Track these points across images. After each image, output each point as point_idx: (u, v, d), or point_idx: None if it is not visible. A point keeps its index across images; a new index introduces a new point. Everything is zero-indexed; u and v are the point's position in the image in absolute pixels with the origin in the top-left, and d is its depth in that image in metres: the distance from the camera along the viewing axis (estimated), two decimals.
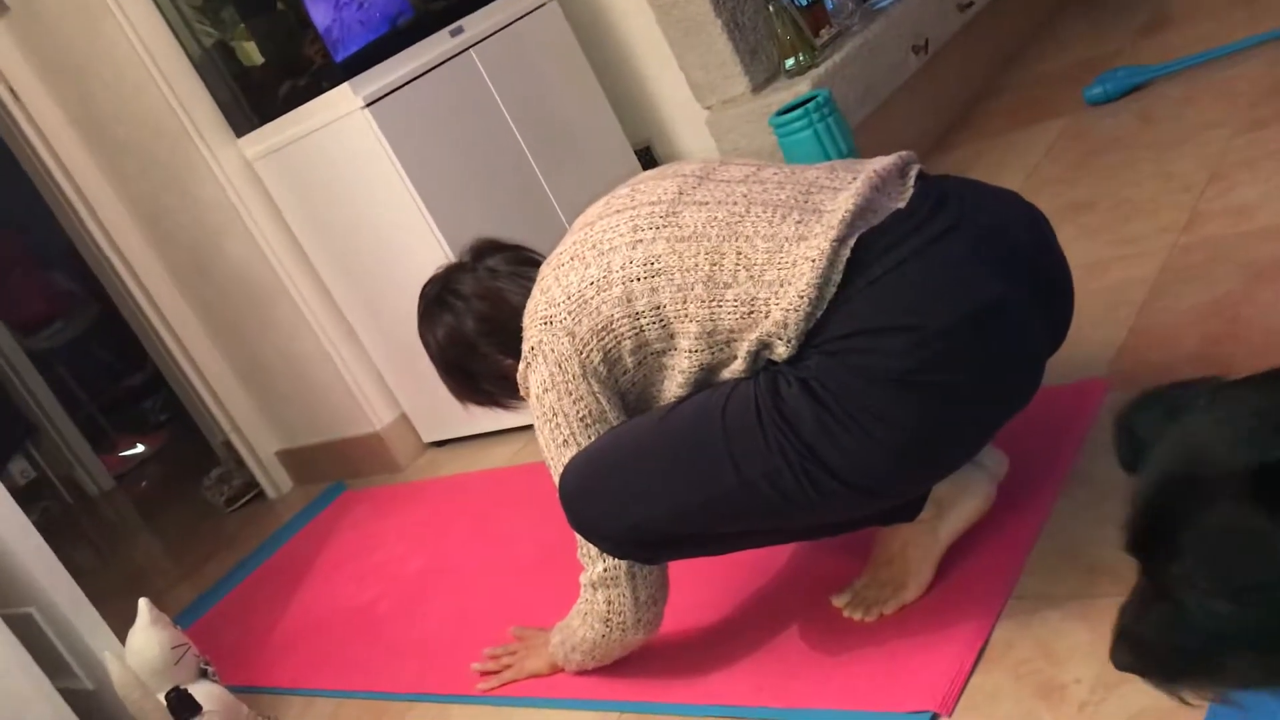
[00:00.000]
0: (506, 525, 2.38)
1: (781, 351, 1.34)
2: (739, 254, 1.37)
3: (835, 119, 2.57)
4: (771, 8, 2.81)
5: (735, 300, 1.36)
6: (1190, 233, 2.07)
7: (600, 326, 1.44)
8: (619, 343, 1.44)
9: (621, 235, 1.45)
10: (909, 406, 1.29)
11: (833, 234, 1.33)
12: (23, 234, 5.09)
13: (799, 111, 2.57)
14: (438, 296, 1.74)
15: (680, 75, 2.95)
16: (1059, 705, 1.27)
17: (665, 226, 1.43)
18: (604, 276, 1.44)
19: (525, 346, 1.53)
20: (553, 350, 1.47)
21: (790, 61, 2.82)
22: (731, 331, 1.37)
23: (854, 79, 2.84)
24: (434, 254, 2.53)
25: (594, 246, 1.47)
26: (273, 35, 2.64)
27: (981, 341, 1.32)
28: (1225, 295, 1.83)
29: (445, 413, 2.80)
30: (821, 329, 1.33)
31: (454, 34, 2.67)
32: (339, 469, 3.17)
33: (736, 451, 1.35)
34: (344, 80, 2.47)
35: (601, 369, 1.46)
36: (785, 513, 1.37)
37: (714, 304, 1.37)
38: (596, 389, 1.46)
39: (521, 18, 2.79)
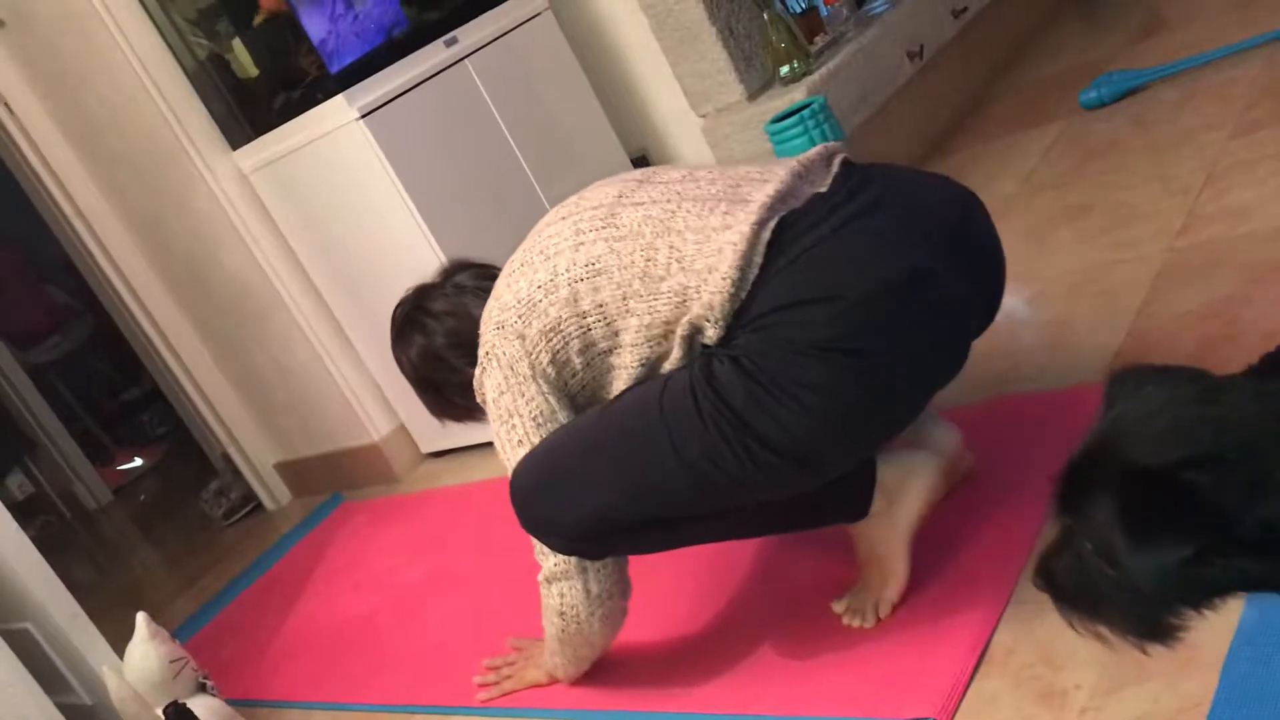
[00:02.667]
0: (504, 536, 2.37)
1: (711, 334, 1.38)
2: (671, 248, 1.42)
3: (830, 125, 2.57)
4: (766, 15, 2.82)
5: (669, 292, 1.41)
6: (1187, 236, 2.06)
7: (549, 328, 1.49)
8: (566, 344, 1.49)
9: (565, 239, 1.51)
10: (834, 374, 1.32)
11: (753, 218, 1.39)
12: (19, 248, 5.09)
13: (794, 119, 2.57)
14: (408, 317, 1.79)
15: (675, 83, 2.95)
16: (1060, 711, 1.27)
17: (605, 228, 1.48)
18: (550, 280, 1.49)
19: (480, 352, 1.58)
20: (504, 353, 1.52)
21: (785, 69, 2.82)
22: (668, 323, 1.42)
23: (849, 85, 2.84)
24: (430, 264, 2.52)
25: (541, 252, 1.52)
26: (268, 47, 2.64)
27: (902, 308, 1.36)
28: (1223, 298, 1.83)
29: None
30: (748, 309, 1.37)
31: (449, 44, 2.67)
32: (337, 480, 3.16)
33: (676, 433, 1.37)
34: (339, 92, 2.47)
35: (550, 371, 1.50)
36: (729, 491, 1.39)
37: (651, 298, 1.42)
38: (546, 389, 1.51)
39: (516, 28, 2.79)
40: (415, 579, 2.42)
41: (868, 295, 1.34)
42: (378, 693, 2.07)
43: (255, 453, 3.32)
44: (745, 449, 1.34)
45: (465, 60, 2.68)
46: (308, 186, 2.68)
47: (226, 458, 3.43)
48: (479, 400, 1.60)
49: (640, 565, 1.93)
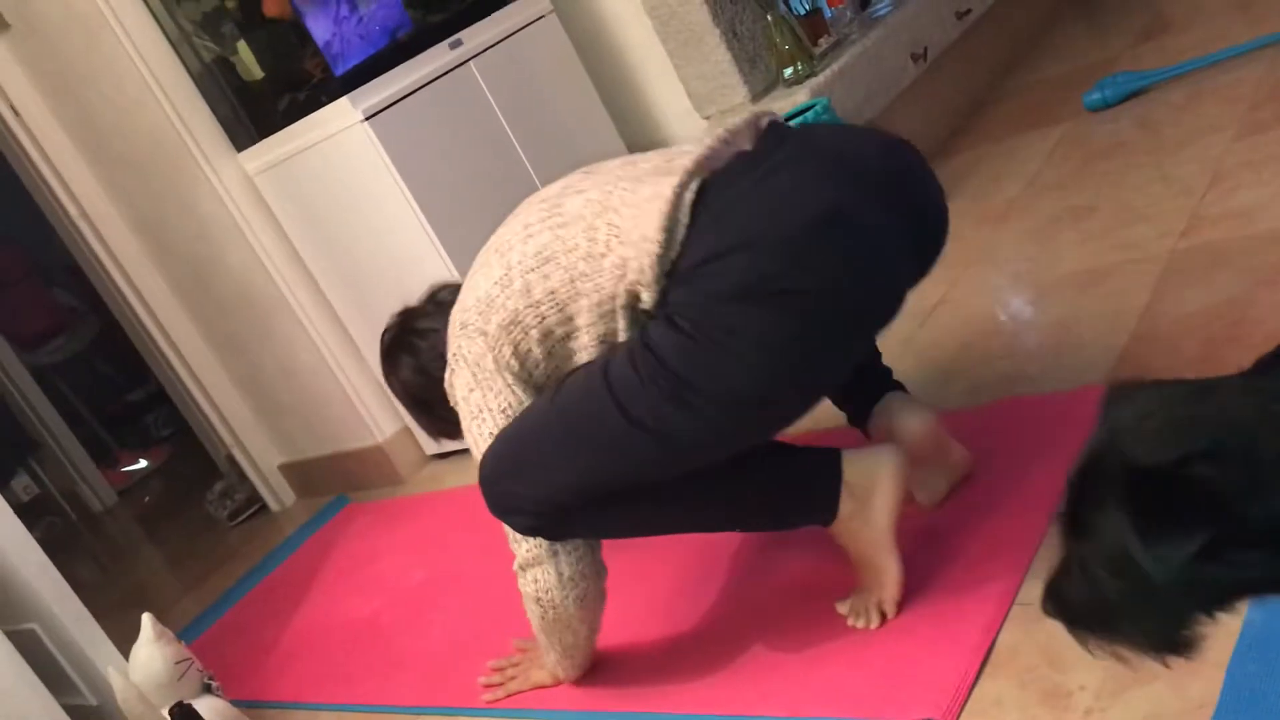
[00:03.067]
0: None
1: (648, 298, 1.42)
2: (610, 225, 1.47)
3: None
4: (770, 17, 2.82)
5: (612, 266, 1.45)
6: (1191, 237, 2.06)
7: (507, 322, 1.53)
8: (526, 334, 1.52)
9: (516, 234, 1.56)
10: (761, 318, 1.36)
11: (675, 181, 1.43)
12: (24, 250, 5.10)
13: (798, 120, 2.57)
14: (395, 340, 1.85)
15: (679, 85, 2.96)
16: (1064, 712, 1.27)
17: (550, 218, 1.53)
18: (504, 274, 1.54)
19: (449, 355, 1.61)
20: (469, 352, 1.56)
21: (789, 70, 2.82)
22: (613, 297, 1.46)
23: (853, 87, 2.84)
24: (435, 265, 2.53)
25: (496, 250, 1.58)
26: (272, 50, 2.64)
27: (823, 248, 1.38)
28: (1227, 300, 1.83)
29: None
30: (677, 269, 1.41)
31: (453, 46, 2.67)
32: (342, 482, 3.16)
33: (620, 398, 1.41)
34: (343, 94, 2.48)
35: (514, 363, 1.54)
36: (679, 449, 1.42)
37: (596, 275, 1.46)
38: (511, 382, 1.54)
39: (520, 30, 2.80)
40: (420, 580, 2.42)
41: (783, 237, 1.38)
42: (383, 694, 2.08)
43: (260, 454, 3.33)
44: (684, 403, 1.37)
45: (470, 62, 2.68)
46: (312, 188, 2.68)
47: (231, 459, 3.44)
48: (452, 403, 1.62)
49: (644, 565, 1.94)
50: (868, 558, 1.55)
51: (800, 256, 1.37)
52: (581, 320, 1.49)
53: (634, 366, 1.40)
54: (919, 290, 2.39)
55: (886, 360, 2.14)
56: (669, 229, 1.41)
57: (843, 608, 1.58)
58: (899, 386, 1.76)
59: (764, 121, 1.55)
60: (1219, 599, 0.89)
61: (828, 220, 1.39)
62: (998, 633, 1.42)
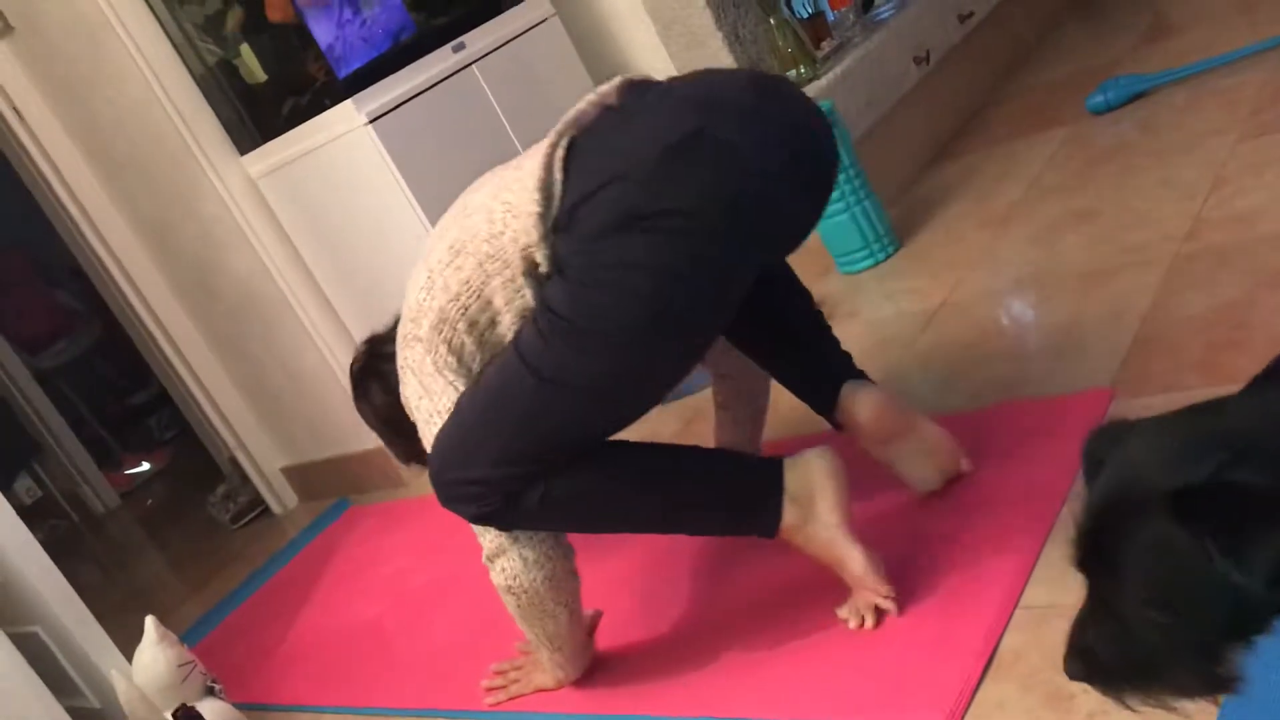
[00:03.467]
0: None
1: (541, 259, 1.47)
2: (504, 204, 1.52)
3: (837, 131, 2.57)
4: (773, 20, 2.82)
5: (509, 241, 1.50)
6: (1194, 240, 2.06)
7: (436, 321, 1.56)
8: (455, 330, 1.55)
9: (433, 241, 1.63)
10: (639, 244, 1.40)
11: (547, 143, 1.50)
12: (27, 252, 5.11)
13: None
14: (364, 368, 1.88)
15: None
16: (1067, 715, 1.27)
17: (458, 216, 1.59)
18: (428, 279, 1.59)
19: (398, 368, 1.65)
20: (411, 360, 1.60)
21: (791, 73, 2.82)
22: (517, 269, 1.50)
23: (856, 90, 2.85)
24: None
25: (422, 260, 1.63)
26: (275, 53, 2.64)
27: (687, 165, 1.42)
28: (1230, 302, 1.83)
29: None
30: (559, 224, 1.46)
31: (456, 50, 2.68)
32: (344, 484, 3.17)
33: (530, 360, 1.46)
34: (346, 97, 2.48)
35: (451, 360, 1.56)
36: (595, 400, 1.46)
37: (500, 254, 1.51)
38: (452, 379, 1.56)
39: (523, 33, 2.80)
40: (422, 583, 2.42)
41: (646, 165, 1.42)
42: (385, 696, 2.08)
43: (263, 457, 3.33)
44: (585, 349, 1.42)
45: (473, 66, 2.68)
46: (315, 191, 2.68)
47: (234, 462, 3.44)
48: (410, 416, 1.63)
49: (645, 567, 1.94)
50: (832, 557, 1.56)
51: (665, 178, 1.42)
52: (499, 301, 1.53)
53: (536, 328, 1.46)
54: (921, 293, 2.41)
55: (889, 362, 2.15)
56: (544, 188, 1.47)
57: (842, 612, 1.58)
58: (858, 374, 1.78)
59: (632, 79, 1.61)
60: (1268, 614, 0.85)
61: (688, 141, 1.44)
62: (1001, 636, 1.42)
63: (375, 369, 1.86)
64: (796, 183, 1.54)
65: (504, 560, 1.58)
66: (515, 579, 1.58)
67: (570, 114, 1.55)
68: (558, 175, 1.48)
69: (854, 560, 1.54)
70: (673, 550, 1.94)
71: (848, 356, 1.82)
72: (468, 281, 1.54)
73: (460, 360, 1.56)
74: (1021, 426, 1.80)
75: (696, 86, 1.58)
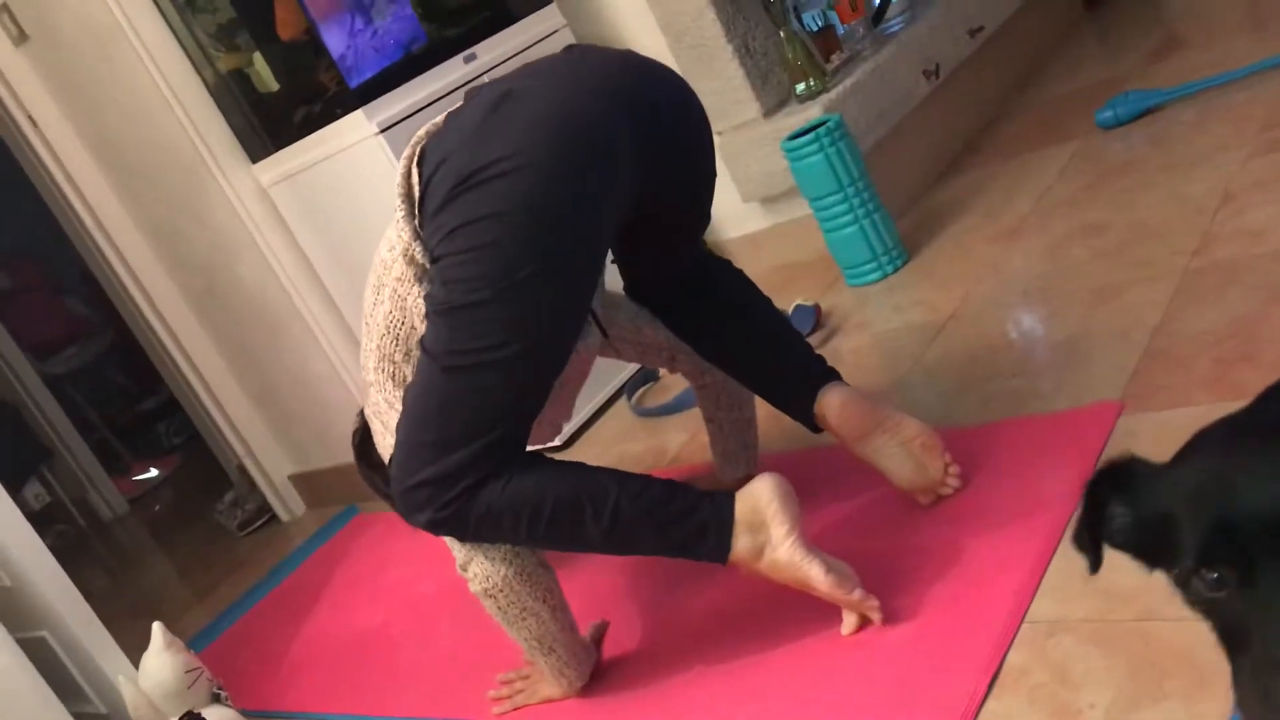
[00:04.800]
0: None
1: (419, 254, 1.56)
2: (394, 223, 1.60)
3: (846, 144, 2.58)
4: (782, 33, 2.83)
5: (402, 253, 1.58)
6: (1203, 255, 2.06)
7: (378, 361, 1.66)
8: (393, 363, 1.65)
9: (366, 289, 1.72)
10: (474, 201, 1.46)
11: (405, 154, 1.59)
12: (39, 259, 5.13)
13: (810, 136, 2.58)
14: (363, 435, 1.93)
15: None
16: None
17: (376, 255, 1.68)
18: (366, 325, 1.69)
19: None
20: (371, 403, 1.70)
21: (801, 86, 2.83)
22: (410, 276, 1.59)
23: (865, 104, 2.85)
24: None
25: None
26: (287, 62, 2.66)
27: (501, 122, 1.50)
28: (1239, 318, 1.83)
29: None
30: (421, 221, 1.55)
31: (467, 60, 2.69)
32: (351, 492, 3.16)
33: (430, 351, 1.53)
34: (358, 107, 2.49)
35: (398, 392, 1.64)
36: (495, 370, 1.50)
37: (401, 272, 1.59)
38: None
39: (535, 44, 2.81)
40: (429, 591, 2.42)
41: (468, 134, 1.50)
42: (391, 704, 2.08)
43: (270, 464, 3.34)
44: (465, 322, 1.48)
45: (484, 76, 2.70)
46: (326, 200, 2.70)
47: (242, 469, 3.45)
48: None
49: (646, 581, 1.94)
50: (798, 578, 1.55)
51: (482, 137, 1.49)
52: (416, 318, 1.60)
53: (428, 320, 1.54)
54: (930, 306, 2.41)
55: (897, 375, 2.15)
56: (403, 193, 1.56)
57: (845, 628, 1.59)
58: (830, 376, 1.80)
59: (476, 86, 1.66)
60: None
61: (498, 101, 1.53)
62: (1007, 651, 1.41)
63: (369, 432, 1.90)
64: (625, 111, 1.57)
65: (475, 566, 1.61)
66: (488, 579, 1.61)
67: (424, 128, 1.64)
68: (414, 180, 1.56)
69: (817, 576, 1.53)
70: (669, 565, 1.94)
71: (819, 360, 1.83)
72: (390, 313, 1.63)
73: (406, 391, 1.62)
74: (1030, 440, 1.80)
75: (527, 77, 1.64)
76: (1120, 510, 0.94)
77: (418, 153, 1.58)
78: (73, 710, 2.07)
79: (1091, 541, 0.96)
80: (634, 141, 1.56)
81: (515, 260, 1.46)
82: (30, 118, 3.06)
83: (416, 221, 1.55)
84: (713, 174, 1.78)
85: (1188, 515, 0.85)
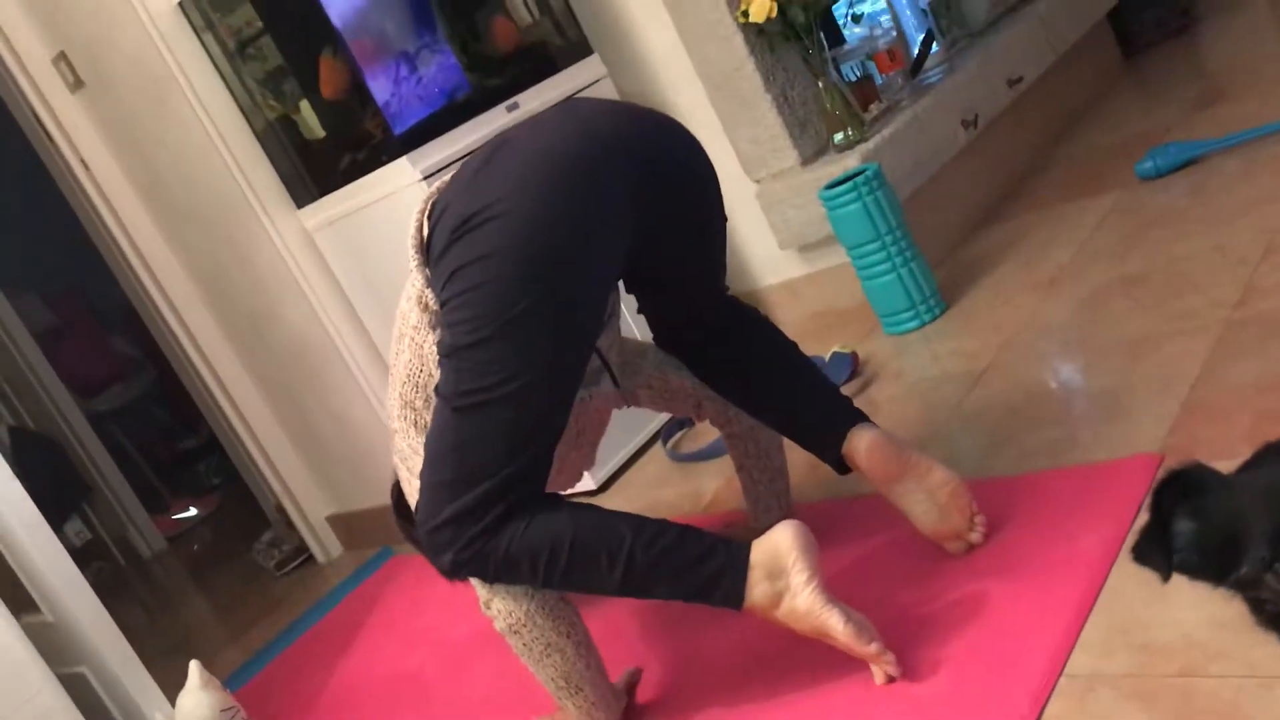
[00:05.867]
0: None
1: (431, 300, 1.62)
2: (410, 282, 1.67)
3: (884, 193, 2.60)
4: (821, 84, 2.86)
5: (416, 300, 1.65)
6: (1245, 307, 2.05)
7: (400, 409, 1.72)
8: (414, 410, 1.70)
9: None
10: (470, 245, 1.53)
11: (417, 207, 1.67)
12: (86, 298, 5.23)
13: (848, 185, 2.59)
14: (400, 488, 1.96)
15: (730, 149, 2.99)
16: None
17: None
18: (390, 375, 1.75)
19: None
20: (397, 450, 1.76)
21: (839, 136, 2.85)
22: (427, 324, 1.65)
23: (903, 153, 2.87)
24: None
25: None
26: (334, 109, 2.71)
27: (495, 170, 1.57)
28: None
29: None
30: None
31: (510, 109, 2.73)
32: (387, 534, 3.18)
33: (443, 394, 1.58)
34: (402, 154, 2.53)
35: (420, 438, 1.69)
36: (503, 407, 1.54)
37: (418, 319, 1.66)
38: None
39: (577, 93, 2.85)
40: (463, 635, 2.42)
41: (463, 186, 1.59)
42: None
43: (308, 505, 3.36)
44: (470, 363, 1.53)
45: None
46: (369, 245, 2.74)
47: (280, 509, 3.48)
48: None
49: (678, 624, 1.94)
50: (815, 627, 1.54)
51: (477, 186, 1.56)
52: (433, 365, 1.65)
53: (440, 365, 1.60)
54: (967, 355, 2.40)
55: (934, 424, 2.14)
56: (416, 242, 1.64)
57: (876, 676, 1.58)
58: (858, 417, 1.80)
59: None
60: None
61: (494, 151, 1.61)
62: (1045, 704, 1.40)
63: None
64: (614, 152, 1.61)
65: (498, 603, 1.62)
66: (510, 615, 1.61)
67: (436, 184, 1.72)
68: (424, 228, 1.64)
69: (836, 626, 1.52)
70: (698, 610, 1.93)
71: (847, 401, 1.84)
72: (409, 361, 1.69)
73: (425, 434, 1.66)
74: (1068, 491, 1.78)
75: (520, 121, 1.72)
76: (1185, 518, 0.93)
77: (429, 206, 1.66)
78: None
79: (1161, 549, 0.95)
80: (625, 181, 1.61)
81: (510, 296, 1.52)
82: (83, 161, 3.14)
83: (427, 270, 1.62)
84: (721, 218, 1.82)
85: (1259, 512, 0.84)
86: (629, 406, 1.99)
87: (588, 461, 1.93)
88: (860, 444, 1.75)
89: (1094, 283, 2.45)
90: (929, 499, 1.73)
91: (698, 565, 1.55)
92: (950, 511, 1.73)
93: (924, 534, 1.76)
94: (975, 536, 1.74)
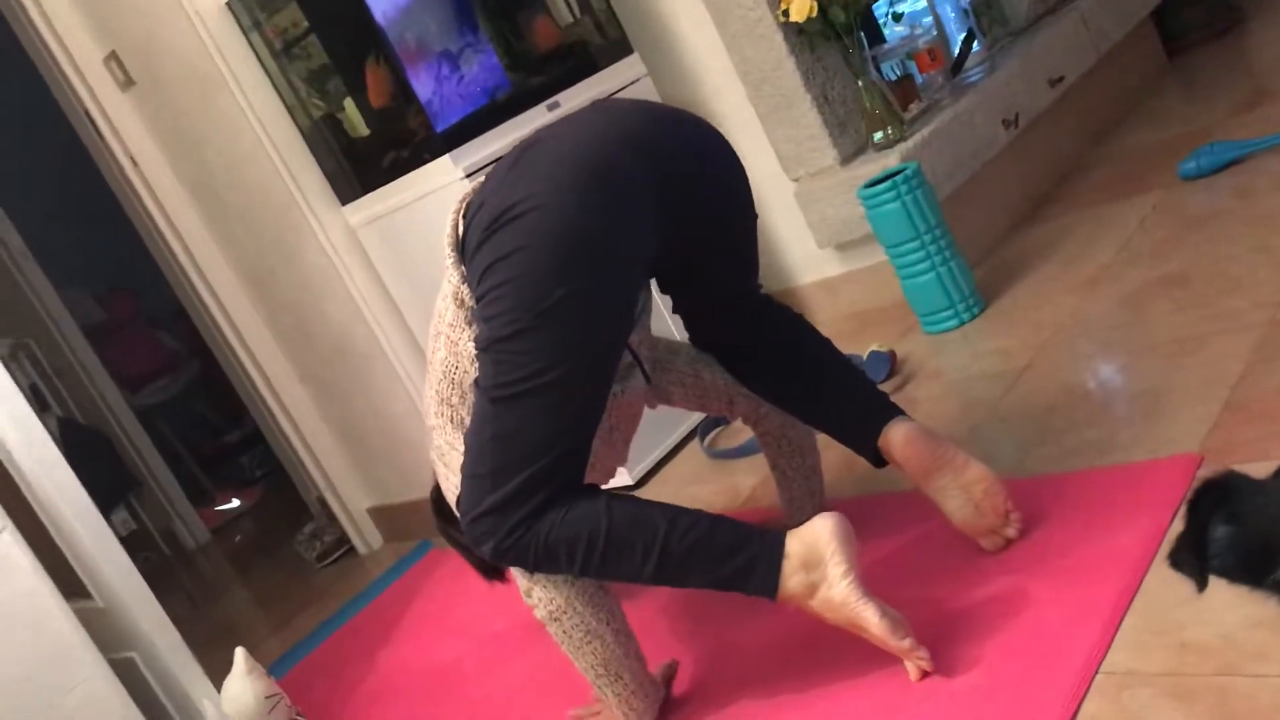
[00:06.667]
0: None
1: (467, 296, 1.66)
2: (446, 280, 1.73)
3: (923, 191, 2.60)
4: (861, 83, 2.86)
5: (452, 295, 1.69)
6: None
7: (437, 406, 1.77)
8: (450, 406, 1.74)
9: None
10: (505, 239, 1.56)
11: (453, 207, 1.72)
12: (135, 294, 5.32)
13: (887, 184, 2.60)
14: (440, 493, 2.00)
15: (769, 148, 3.00)
16: None
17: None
18: (428, 372, 1.80)
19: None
20: (435, 445, 1.81)
21: (879, 135, 2.85)
22: (464, 320, 1.69)
23: (943, 152, 2.87)
24: None
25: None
26: (377, 108, 2.75)
27: (529, 166, 1.61)
28: None
29: None
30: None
31: (551, 109, 2.76)
32: (427, 527, 3.21)
33: (482, 386, 1.62)
34: (445, 152, 2.57)
35: (458, 434, 1.74)
36: (540, 398, 1.56)
37: (454, 316, 1.70)
38: (463, 449, 1.69)
39: (617, 92, 2.87)
40: (501, 627, 2.45)
41: (496, 183, 1.63)
42: None
43: (350, 497, 3.41)
44: (508, 356, 1.56)
45: None
46: (412, 242, 2.77)
47: (322, 501, 3.53)
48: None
49: (715, 618, 1.95)
50: (850, 619, 1.56)
51: (512, 181, 1.60)
52: (468, 361, 1.69)
53: (478, 359, 1.63)
54: (1006, 354, 2.40)
55: (972, 423, 2.14)
56: (452, 240, 1.68)
57: (911, 673, 1.59)
58: (894, 411, 1.81)
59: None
60: None
61: (527, 147, 1.65)
62: (1081, 701, 1.40)
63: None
64: (641, 148, 1.64)
65: (537, 590, 1.65)
66: (551, 602, 1.64)
67: (471, 184, 1.78)
68: (460, 229, 1.67)
69: (871, 619, 1.54)
70: (735, 597, 1.95)
71: (883, 395, 1.85)
72: (445, 359, 1.73)
73: (464, 429, 1.70)
74: (1106, 491, 1.78)
75: (557, 131, 1.72)
76: (1221, 524, 0.94)
77: (464, 205, 1.70)
78: None
79: (1197, 558, 0.96)
80: (653, 178, 1.64)
81: (545, 286, 1.55)
82: (132, 158, 3.20)
83: (463, 266, 1.66)
84: (751, 216, 1.84)
85: None
86: (662, 404, 2.01)
87: (620, 458, 1.96)
88: (896, 436, 1.77)
89: (1135, 283, 2.44)
90: (964, 494, 1.74)
91: (731, 554, 1.57)
92: (985, 507, 1.74)
93: (959, 529, 1.76)
94: (1011, 532, 1.75)
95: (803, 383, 1.89)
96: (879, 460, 1.82)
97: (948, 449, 1.76)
